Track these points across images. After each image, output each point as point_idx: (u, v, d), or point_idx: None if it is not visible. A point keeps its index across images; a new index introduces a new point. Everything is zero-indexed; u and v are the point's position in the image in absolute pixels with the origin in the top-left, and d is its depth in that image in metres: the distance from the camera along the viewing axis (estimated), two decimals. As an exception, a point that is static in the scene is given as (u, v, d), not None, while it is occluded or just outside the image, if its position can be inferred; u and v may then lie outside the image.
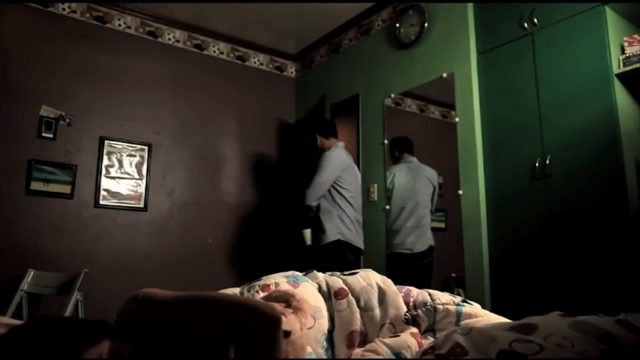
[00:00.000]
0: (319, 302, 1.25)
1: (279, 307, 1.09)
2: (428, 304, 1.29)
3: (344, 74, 3.91)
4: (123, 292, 1.11)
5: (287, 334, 1.00)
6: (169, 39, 3.86)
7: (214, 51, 4.08)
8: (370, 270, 1.45)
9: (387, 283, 1.34)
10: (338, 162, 3.07)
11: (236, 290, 1.33)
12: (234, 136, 4.08)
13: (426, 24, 3.16)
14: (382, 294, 1.29)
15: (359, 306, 1.25)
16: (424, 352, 1.02)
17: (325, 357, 1.15)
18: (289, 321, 1.06)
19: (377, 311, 1.25)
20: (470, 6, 2.93)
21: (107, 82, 3.50)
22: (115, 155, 3.50)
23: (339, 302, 1.25)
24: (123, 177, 3.51)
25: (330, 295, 1.28)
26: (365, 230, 3.51)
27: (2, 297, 2.83)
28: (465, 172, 2.82)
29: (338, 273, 1.47)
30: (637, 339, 0.88)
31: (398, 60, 3.38)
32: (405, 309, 1.27)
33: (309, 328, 1.14)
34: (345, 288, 1.30)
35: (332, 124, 3.32)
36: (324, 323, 1.21)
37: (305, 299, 1.19)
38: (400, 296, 1.30)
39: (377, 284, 1.31)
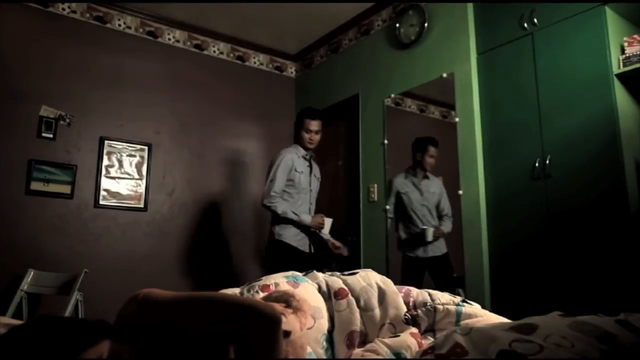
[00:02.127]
0: (319, 303, 1.25)
1: (278, 307, 1.09)
2: (428, 304, 1.29)
3: (344, 74, 3.91)
4: (123, 292, 1.11)
5: (287, 334, 1.00)
6: (169, 39, 3.86)
7: (214, 51, 4.08)
8: (370, 270, 1.45)
9: (387, 283, 1.34)
10: None
11: (236, 290, 1.33)
12: (234, 136, 4.08)
13: (426, 24, 3.16)
14: (382, 294, 1.29)
15: (358, 306, 1.25)
16: (424, 352, 1.02)
17: (325, 357, 1.15)
18: (289, 321, 1.06)
19: (377, 311, 1.25)
20: (470, 6, 2.93)
21: (107, 82, 3.50)
22: (115, 155, 3.50)
23: (338, 302, 1.25)
24: (123, 177, 3.51)
25: (330, 296, 1.28)
26: (365, 230, 3.52)
27: (2, 297, 2.84)
28: (465, 172, 2.82)
29: (338, 273, 1.47)
30: (637, 339, 0.88)
31: (398, 60, 3.38)
32: (405, 309, 1.27)
33: (308, 328, 1.14)
34: (345, 288, 1.29)
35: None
36: (324, 323, 1.21)
37: (305, 299, 1.19)
38: (400, 296, 1.30)
39: (377, 284, 1.31)
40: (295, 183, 2.98)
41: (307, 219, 2.96)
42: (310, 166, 3.11)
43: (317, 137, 3.05)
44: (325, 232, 2.99)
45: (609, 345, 0.85)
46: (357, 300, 1.27)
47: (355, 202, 3.61)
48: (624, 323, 0.93)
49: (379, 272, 1.44)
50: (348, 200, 3.71)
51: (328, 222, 2.99)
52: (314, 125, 3.01)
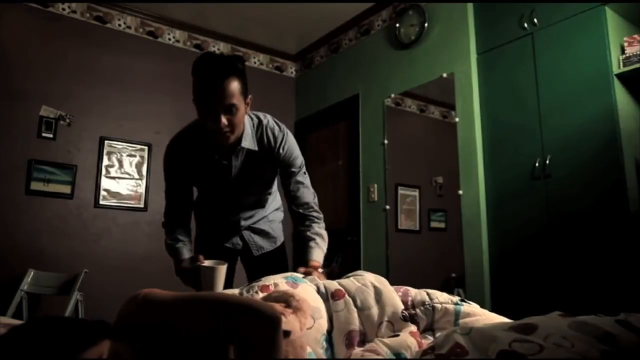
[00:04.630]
0: (318, 303, 1.25)
1: (278, 307, 1.09)
2: (426, 303, 1.29)
3: (344, 74, 3.91)
4: (123, 292, 1.11)
5: (287, 334, 1.00)
6: (169, 39, 3.86)
7: (214, 51, 4.08)
8: (363, 271, 1.45)
9: (381, 282, 1.34)
10: None
11: (235, 291, 1.33)
12: (234, 136, 4.08)
13: (426, 24, 3.16)
14: (378, 292, 1.29)
15: (355, 306, 1.25)
16: (424, 352, 1.02)
17: (325, 357, 1.15)
18: (289, 321, 1.06)
19: (375, 310, 1.25)
20: (470, 6, 2.93)
21: (107, 82, 3.50)
22: (115, 155, 3.50)
23: (336, 303, 1.25)
24: (123, 177, 3.52)
25: (327, 297, 1.29)
26: (365, 230, 3.52)
27: (2, 297, 2.84)
28: (465, 172, 2.82)
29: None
30: (637, 339, 0.88)
31: (398, 60, 3.38)
32: (402, 306, 1.27)
33: (308, 328, 1.14)
34: (342, 289, 1.30)
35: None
36: (323, 323, 1.21)
37: (305, 299, 1.19)
38: (396, 294, 1.30)
39: (372, 283, 1.32)
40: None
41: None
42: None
43: (232, 120, 1.49)
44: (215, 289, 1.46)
45: (609, 345, 0.85)
46: (354, 300, 1.26)
47: (355, 202, 3.61)
48: (624, 323, 0.93)
49: (379, 272, 1.44)
50: (348, 200, 3.71)
51: (217, 273, 1.48)
52: (220, 95, 1.45)
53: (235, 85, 1.46)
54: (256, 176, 1.73)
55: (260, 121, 1.71)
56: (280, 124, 1.75)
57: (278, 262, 1.90)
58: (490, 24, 2.83)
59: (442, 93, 3.04)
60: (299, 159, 1.74)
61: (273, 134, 1.69)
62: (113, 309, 1.01)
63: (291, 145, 1.71)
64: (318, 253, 1.67)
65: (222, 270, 1.49)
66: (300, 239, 1.73)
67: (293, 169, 1.71)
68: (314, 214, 1.76)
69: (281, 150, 1.68)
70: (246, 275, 1.88)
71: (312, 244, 1.68)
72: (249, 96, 1.58)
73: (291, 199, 1.74)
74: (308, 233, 1.70)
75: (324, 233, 1.75)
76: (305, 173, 1.77)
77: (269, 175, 1.79)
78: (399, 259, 3.22)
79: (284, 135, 1.70)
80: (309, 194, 1.75)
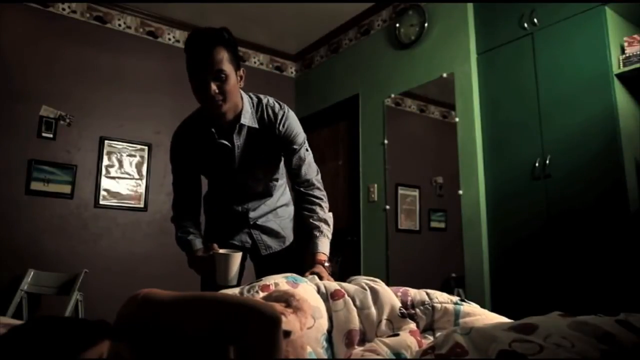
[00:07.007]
0: (319, 303, 1.25)
1: (279, 307, 1.09)
2: (426, 302, 1.29)
3: (344, 74, 3.91)
4: (123, 293, 1.11)
5: (287, 333, 1.00)
6: (169, 39, 3.86)
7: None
8: (356, 276, 1.46)
9: (377, 282, 1.35)
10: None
11: (236, 291, 1.33)
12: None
13: (426, 24, 3.16)
14: (374, 292, 1.29)
15: (355, 305, 1.26)
16: (424, 352, 1.02)
17: (325, 356, 1.15)
18: (289, 321, 1.06)
19: (373, 309, 1.26)
20: (470, 6, 2.93)
21: (107, 82, 3.50)
22: (115, 155, 3.50)
23: (335, 303, 1.26)
24: (123, 177, 3.52)
25: (327, 297, 1.29)
26: (365, 230, 3.52)
27: (2, 297, 2.84)
28: (465, 172, 2.82)
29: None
30: (637, 339, 0.88)
31: (398, 60, 3.38)
32: (399, 303, 1.28)
33: (308, 328, 1.14)
34: (341, 289, 1.30)
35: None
36: (324, 323, 1.21)
37: (305, 298, 1.19)
38: (392, 292, 1.31)
39: (368, 285, 1.32)
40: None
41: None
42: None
43: (223, 88, 1.50)
44: (228, 279, 1.49)
45: (609, 345, 0.85)
46: (353, 300, 1.27)
47: (355, 202, 3.61)
48: (624, 323, 0.93)
49: (379, 273, 1.45)
50: (348, 200, 3.71)
51: (232, 259, 1.48)
52: (207, 63, 1.48)
53: (222, 53, 1.49)
54: (260, 157, 1.71)
55: (260, 100, 1.71)
56: (281, 102, 1.73)
57: (286, 262, 1.87)
58: (490, 23, 2.84)
59: (442, 93, 3.04)
60: (300, 135, 1.71)
61: (273, 111, 1.67)
62: (113, 309, 1.01)
63: (292, 122, 1.69)
64: (324, 244, 1.64)
65: (237, 257, 1.49)
66: (304, 226, 1.69)
67: (294, 146, 1.69)
68: (316, 192, 1.72)
69: (281, 127, 1.66)
70: (255, 274, 1.88)
71: (316, 232, 1.65)
72: (242, 69, 1.60)
73: (293, 177, 1.72)
74: (311, 220, 1.67)
75: (328, 216, 1.71)
76: (307, 150, 1.74)
77: (273, 158, 1.77)
78: (399, 259, 3.22)
79: (284, 112, 1.68)
80: (311, 171, 1.73)
